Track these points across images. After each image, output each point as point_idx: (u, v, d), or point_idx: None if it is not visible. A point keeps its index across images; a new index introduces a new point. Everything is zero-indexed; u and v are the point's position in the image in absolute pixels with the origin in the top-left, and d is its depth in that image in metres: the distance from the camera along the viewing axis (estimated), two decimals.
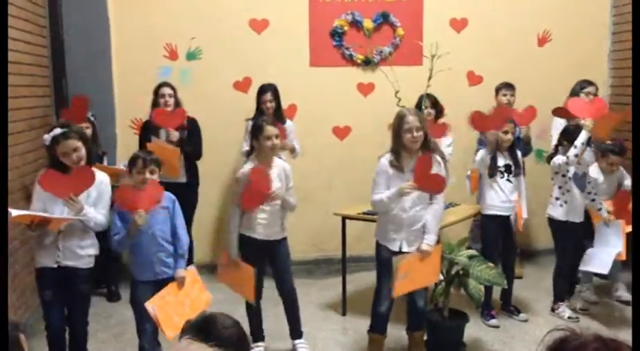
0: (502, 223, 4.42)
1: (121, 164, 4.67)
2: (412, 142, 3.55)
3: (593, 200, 4.53)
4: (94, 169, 3.47)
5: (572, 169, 4.44)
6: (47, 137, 3.44)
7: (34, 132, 4.47)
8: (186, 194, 4.98)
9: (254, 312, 3.97)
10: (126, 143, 5.47)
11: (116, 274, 5.16)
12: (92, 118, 4.78)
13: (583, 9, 5.94)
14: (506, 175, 4.39)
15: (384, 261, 3.70)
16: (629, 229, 4.33)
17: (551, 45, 5.91)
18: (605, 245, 4.42)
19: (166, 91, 4.94)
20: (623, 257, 4.35)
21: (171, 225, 3.53)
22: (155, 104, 4.95)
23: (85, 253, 3.46)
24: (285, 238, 3.93)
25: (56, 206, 3.33)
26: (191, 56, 5.59)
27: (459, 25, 5.85)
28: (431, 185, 3.59)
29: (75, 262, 3.42)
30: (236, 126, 5.19)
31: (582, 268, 4.53)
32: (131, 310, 3.60)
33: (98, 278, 5.06)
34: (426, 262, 3.67)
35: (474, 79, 5.80)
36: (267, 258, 3.94)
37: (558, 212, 4.51)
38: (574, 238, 4.53)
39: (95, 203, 3.42)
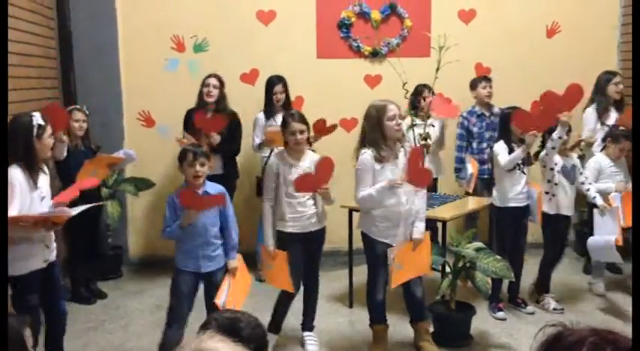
0: (516, 214, 4.41)
1: (121, 152, 4.65)
2: (396, 131, 3.56)
3: (588, 190, 4.51)
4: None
5: (560, 162, 4.44)
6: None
7: None
8: (228, 185, 5.00)
9: (284, 305, 3.94)
10: (133, 135, 5.48)
11: (95, 273, 5.03)
12: (87, 112, 4.70)
13: (593, 0, 5.89)
14: (522, 166, 4.36)
15: (379, 255, 3.69)
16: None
17: (560, 36, 5.86)
18: (604, 233, 4.37)
19: (212, 81, 4.98)
20: (620, 242, 4.28)
21: (221, 218, 3.57)
22: (200, 94, 4.99)
23: (55, 245, 3.43)
24: (324, 228, 3.92)
25: (34, 205, 3.18)
26: (198, 48, 5.59)
27: (467, 16, 5.82)
28: (420, 179, 3.59)
29: (54, 255, 3.39)
30: (243, 118, 5.18)
31: (594, 258, 4.48)
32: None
33: (105, 270, 5.09)
34: (417, 252, 3.70)
35: (482, 70, 5.76)
36: (304, 249, 3.91)
37: (547, 206, 4.50)
38: (563, 230, 4.53)
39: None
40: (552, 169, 4.44)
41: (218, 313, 2.06)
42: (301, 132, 3.74)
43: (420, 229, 3.69)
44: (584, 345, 1.14)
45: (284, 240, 3.83)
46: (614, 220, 4.34)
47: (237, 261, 3.61)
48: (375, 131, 3.58)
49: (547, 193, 4.50)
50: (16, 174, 3.09)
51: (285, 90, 5.14)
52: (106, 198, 5.00)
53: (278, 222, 3.83)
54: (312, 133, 3.98)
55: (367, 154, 3.60)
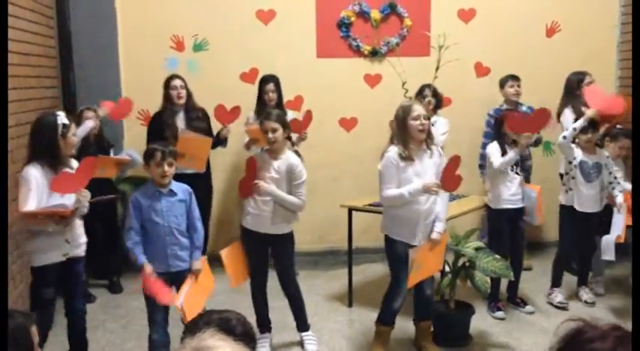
0: (510, 215, 4.41)
1: (124, 153, 4.68)
2: (420, 131, 3.55)
3: (614, 189, 4.45)
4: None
5: (580, 157, 4.44)
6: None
7: None
8: (204, 184, 5.03)
9: (259, 303, 3.99)
10: (133, 134, 5.48)
11: (118, 266, 5.16)
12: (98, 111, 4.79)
13: None
14: (515, 167, 4.36)
15: (401, 255, 3.66)
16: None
17: (560, 35, 5.86)
18: (615, 231, 4.34)
19: (177, 83, 4.97)
20: (621, 240, 4.25)
21: (187, 217, 3.56)
22: (167, 97, 4.98)
23: (83, 241, 3.52)
24: (285, 235, 3.88)
25: (53, 200, 3.27)
26: (198, 47, 5.59)
27: (466, 15, 5.82)
28: (452, 185, 3.61)
29: (78, 251, 3.48)
30: (242, 117, 5.18)
31: (602, 257, 4.40)
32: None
33: (100, 270, 5.10)
34: (435, 251, 3.71)
35: (481, 70, 5.77)
36: (270, 251, 3.95)
37: (563, 197, 4.55)
38: (580, 227, 4.49)
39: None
40: (570, 162, 4.46)
41: (207, 314, 2.07)
42: (273, 131, 3.74)
43: (438, 230, 3.69)
44: (608, 339, 1.16)
45: (245, 235, 3.90)
46: (620, 220, 4.31)
47: (200, 262, 3.59)
48: (402, 130, 3.60)
49: (564, 184, 4.55)
50: (33, 171, 3.25)
51: (278, 89, 5.13)
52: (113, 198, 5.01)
53: (243, 217, 3.90)
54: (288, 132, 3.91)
55: (392, 151, 3.59)
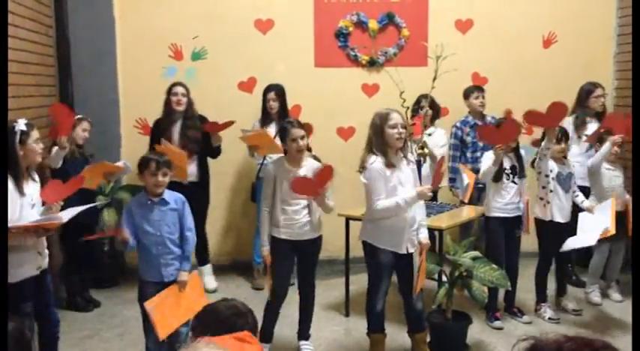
0: (506, 224, 4.42)
1: (121, 162, 4.68)
2: (397, 139, 3.55)
3: (577, 197, 4.57)
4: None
5: (556, 169, 4.48)
6: None
7: (39, 131, 4.47)
8: (199, 193, 5.01)
9: (274, 314, 3.95)
10: (130, 143, 5.49)
11: (114, 275, 5.17)
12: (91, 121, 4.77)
13: (589, 10, 5.92)
14: (511, 176, 4.38)
15: (384, 264, 3.69)
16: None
17: (556, 46, 5.90)
18: (588, 229, 4.34)
19: (179, 90, 5.00)
20: (612, 232, 4.25)
21: (180, 227, 3.53)
22: (167, 102, 5.00)
23: (47, 252, 3.40)
24: (318, 238, 3.92)
25: (25, 211, 3.13)
26: (196, 56, 5.60)
27: (464, 26, 5.85)
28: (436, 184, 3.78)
29: (45, 262, 3.36)
30: (240, 126, 5.18)
31: (564, 249, 4.38)
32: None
33: (98, 279, 5.09)
34: (422, 263, 3.74)
35: (479, 80, 5.79)
36: (298, 258, 3.93)
37: (541, 212, 4.52)
38: (558, 238, 4.48)
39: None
40: (547, 175, 4.47)
41: (222, 305, 2.13)
42: (302, 138, 3.77)
43: (424, 235, 3.76)
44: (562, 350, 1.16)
45: (277, 246, 3.84)
46: (606, 212, 4.32)
47: (187, 275, 3.51)
48: (378, 139, 3.60)
49: (541, 199, 4.52)
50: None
51: (280, 98, 5.14)
52: (103, 206, 4.99)
53: (272, 228, 3.85)
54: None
55: (378, 162, 3.58)
